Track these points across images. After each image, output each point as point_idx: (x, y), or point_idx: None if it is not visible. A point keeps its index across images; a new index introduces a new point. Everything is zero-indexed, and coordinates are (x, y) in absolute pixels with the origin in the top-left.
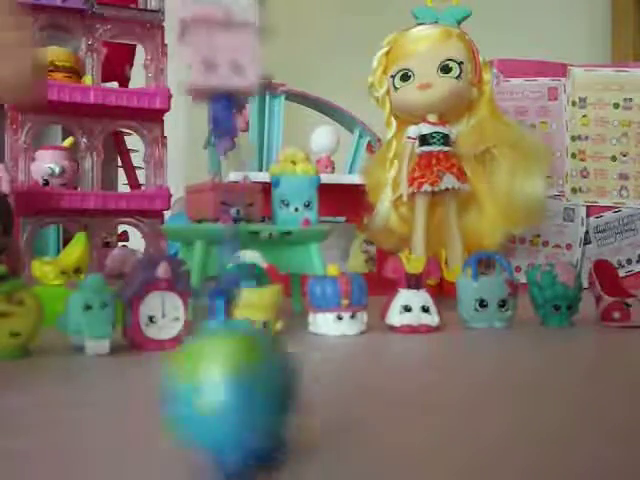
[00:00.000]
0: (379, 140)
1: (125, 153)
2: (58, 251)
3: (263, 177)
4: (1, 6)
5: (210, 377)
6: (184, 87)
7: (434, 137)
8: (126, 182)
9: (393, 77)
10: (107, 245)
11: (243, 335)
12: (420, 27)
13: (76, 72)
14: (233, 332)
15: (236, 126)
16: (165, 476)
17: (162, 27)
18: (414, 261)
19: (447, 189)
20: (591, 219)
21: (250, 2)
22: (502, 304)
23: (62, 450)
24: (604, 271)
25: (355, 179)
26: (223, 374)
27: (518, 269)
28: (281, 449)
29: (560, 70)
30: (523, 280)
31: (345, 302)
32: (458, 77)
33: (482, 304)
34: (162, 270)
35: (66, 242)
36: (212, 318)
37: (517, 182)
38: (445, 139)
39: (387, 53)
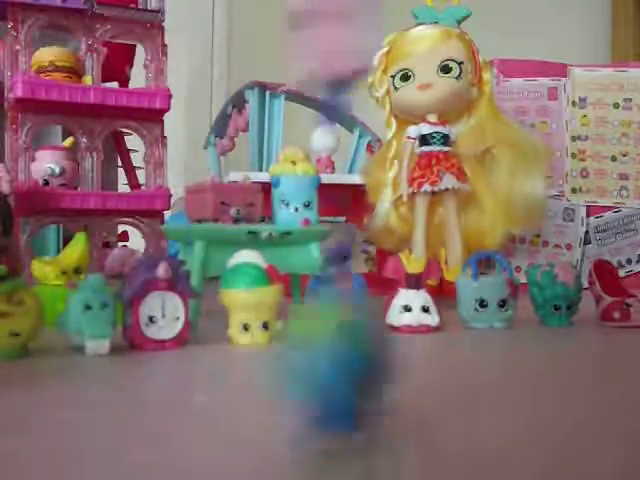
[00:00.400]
0: (379, 140)
1: (125, 153)
2: (58, 251)
3: (263, 177)
4: None
5: (314, 344)
6: (299, 78)
7: (434, 137)
8: (126, 182)
9: (393, 77)
10: (107, 245)
11: (346, 309)
12: (420, 27)
13: (76, 72)
14: (337, 306)
15: (342, 111)
16: (166, 476)
17: (162, 27)
18: (414, 261)
19: (447, 189)
20: (591, 219)
21: None
22: (502, 304)
23: (62, 450)
24: (604, 271)
25: (355, 179)
26: (326, 342)
27: (518, 269)
28: (376, 417)
29: (560, 70)
30: (523, 280)
31: None
32: (458, 77)
33: (482, 304)
34: (162, 270)
35: (66, 242)
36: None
37: (517, 182)
38: (445, 139)
39: (387, 53)
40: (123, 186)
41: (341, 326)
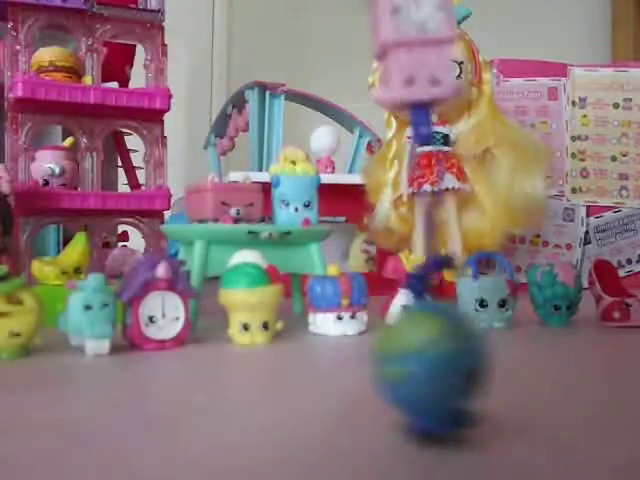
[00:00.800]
0: (379, 140)
1: (125, 153)
2: (58, 251)
3: (263, 177)
4: None
5: (406, 349)
6: (382, 101)
7: (434, 137)
8: (126, 182)
9: None
10: (107, 245)
11: (437, 315)
12: None
13: (76, 72)
14: (429, 312)
15: (432, 132)
16: (166, 476)
17: (162, 27)
18: (414, 261)
19: (447, 189)
20: (591, 219)
21: (444, 17)
22: (502, 304)
23: (61, 451)
24: (604, 271)
25: (355, 179)
26: (418, 347)
27: (518, 269)
28: (462, 422)
29: (560, 70)
30: (523, 280)
31: (345, 302)
32: (458, 77)
33: (482, 304)
34: (162, 270)
35: (66, 242)
36: (413, 299)
37: (517, 182)
38: (445, 139)
39: None
40: (123, 186)
41: (444, 330)
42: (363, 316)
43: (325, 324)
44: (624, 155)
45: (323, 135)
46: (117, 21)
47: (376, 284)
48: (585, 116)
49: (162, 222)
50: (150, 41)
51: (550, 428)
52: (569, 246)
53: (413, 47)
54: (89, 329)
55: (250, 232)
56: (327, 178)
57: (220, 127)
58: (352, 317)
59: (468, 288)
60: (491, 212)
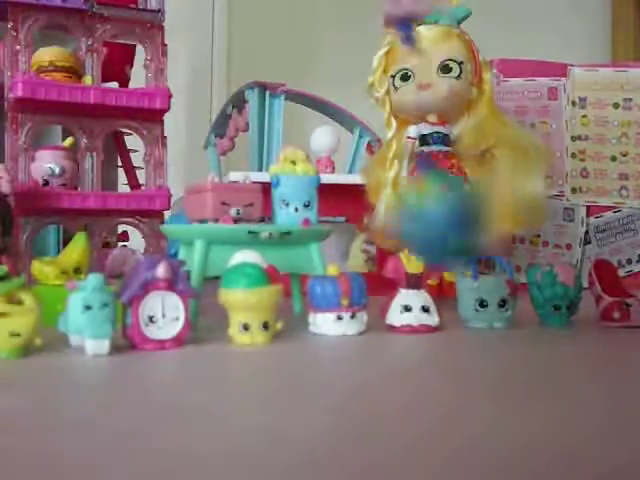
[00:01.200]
0: (379, 140)
1: (125, 153)
2: (58, 251)
3: (263, 177)
4: None
5: (424, 202)
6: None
7: (434, 137)
8: (126, 182)
9: (393, 77)
10: (107, 245)
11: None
12: (420, 27)
13: (76, 72)
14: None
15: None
16: (166, 477)
17: (162, 27)
18: (414, 261)
19: None
20: (591, 219)
21: None
22: (502, 304)
23: (61, 450)
24: (604, 271)
25: (355, 179)
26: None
27: (518, 269)
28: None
29: (560, 70)
30: (523, 280)
31: (345, 302)
32: (458, 77)
33: (482, 304)
34: (162, 270)
35: (66, 242)
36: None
37: (517, 182)
38: (445, 139)
39: (387, 53)
40: (123, 186)
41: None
42: (363, 316)
43: (325, 324)
44: (624, 155)
45: (323, 135)
46: (117, 21)
47: (376, 284)
48: (585, 116)
49: (162, 222)
50: (150, 41)
51: (550, 428)
52: (569, 246)
53: None
54: (89, 329)
55: (250, 232)
56: (327, 178)
57: (220, 127)
58: (352, 317)
59: (468, 288)
60: (491, 212)
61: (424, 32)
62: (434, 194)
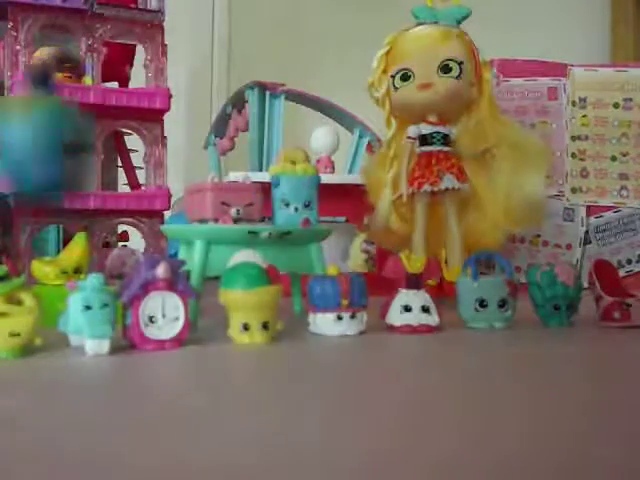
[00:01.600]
0: (379, 140)
1: (125, 153)
2: (58, 251)
3: (263, 177)
4: None
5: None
6: None
7: (434, 137)
8: (126, 182)
9: (393, 77)
10: (107, 245)
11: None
12: (420, 27)
13: (76, 72)
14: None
15: None
16: (165, 477)
17: (162, 27)
18: (414, 261)
19: (447, 189)
20: (591, 219)
21: None
22: (502, 304)
23: (62, 450)
24: (604, 271)
25: (355, 179)
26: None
27: (518, 269)
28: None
29: (560, 70)
30: (523, 280)
31: (345, 302)
32: (458, 77)
33: (482, 304)
34: (162, 270)
35: (66, 242)
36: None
37: (517, 182)
38: (445, 139)
39: (387, 53)
40: (123, 186)
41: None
42: (363, 316)
43: (325, 324)
44: (624, 155)
45: (323, 135)
46: (117, 21)
47: (376, 284)
48: (585, 116)
49: (162, 222)
50: (150, 41)
51: (550, 428)
52: (569, 246)
53: None
54: (89, 329)
55: (250, 232)
56: (327, 178)
57: (220, 127)
58: (352, 317)
59: (468, 288)
60: (491, 212)
61: (424, 32)
62: (23, 113)
